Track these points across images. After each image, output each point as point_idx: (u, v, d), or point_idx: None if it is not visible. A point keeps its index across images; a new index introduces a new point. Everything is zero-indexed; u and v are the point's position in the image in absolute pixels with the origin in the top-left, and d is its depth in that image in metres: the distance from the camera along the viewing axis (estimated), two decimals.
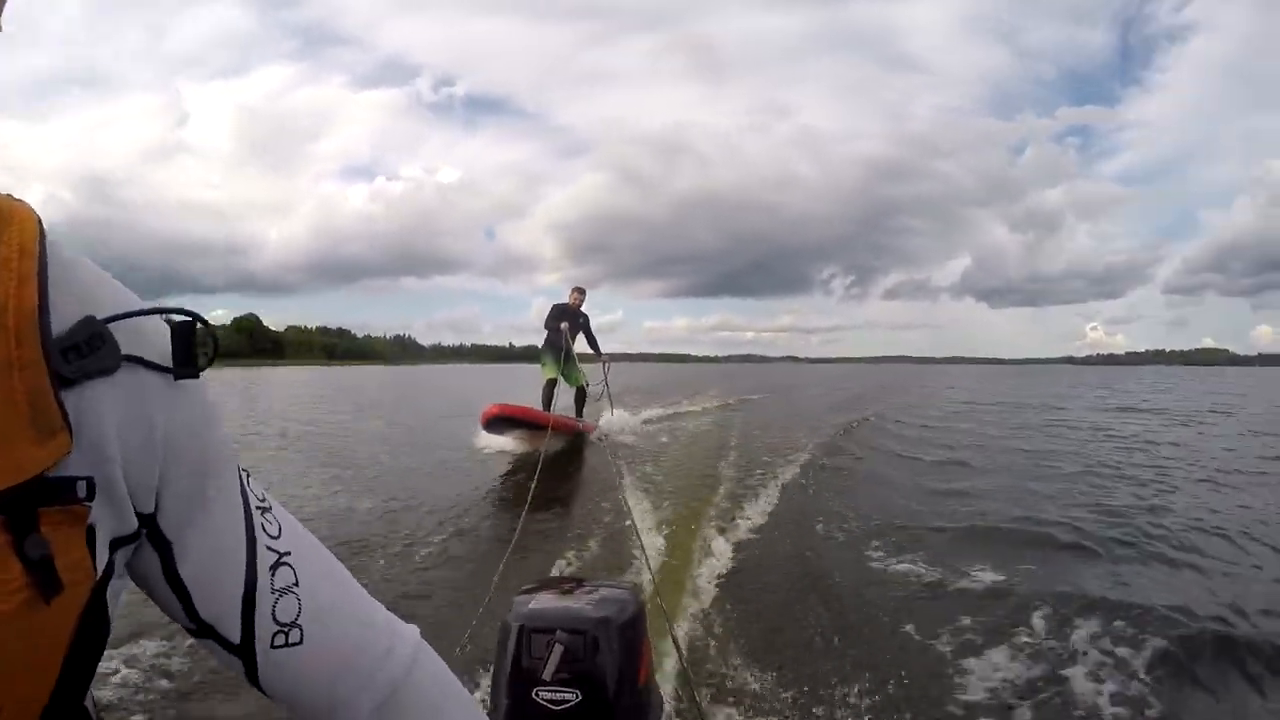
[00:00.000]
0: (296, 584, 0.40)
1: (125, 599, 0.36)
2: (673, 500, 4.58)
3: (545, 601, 1.06)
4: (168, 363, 0.35)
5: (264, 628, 0.38)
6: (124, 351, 0.32)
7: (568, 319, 7.01)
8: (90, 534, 0.31)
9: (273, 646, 0.38)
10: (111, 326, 0.32)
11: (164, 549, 0.36)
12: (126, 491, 0.33)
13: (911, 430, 9.59)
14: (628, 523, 3.16)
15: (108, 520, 0.33)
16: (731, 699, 2.10)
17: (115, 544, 0.33)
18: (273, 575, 0.39)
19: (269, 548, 0.39)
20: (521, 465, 5.91)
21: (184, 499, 0.36)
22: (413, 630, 0.46)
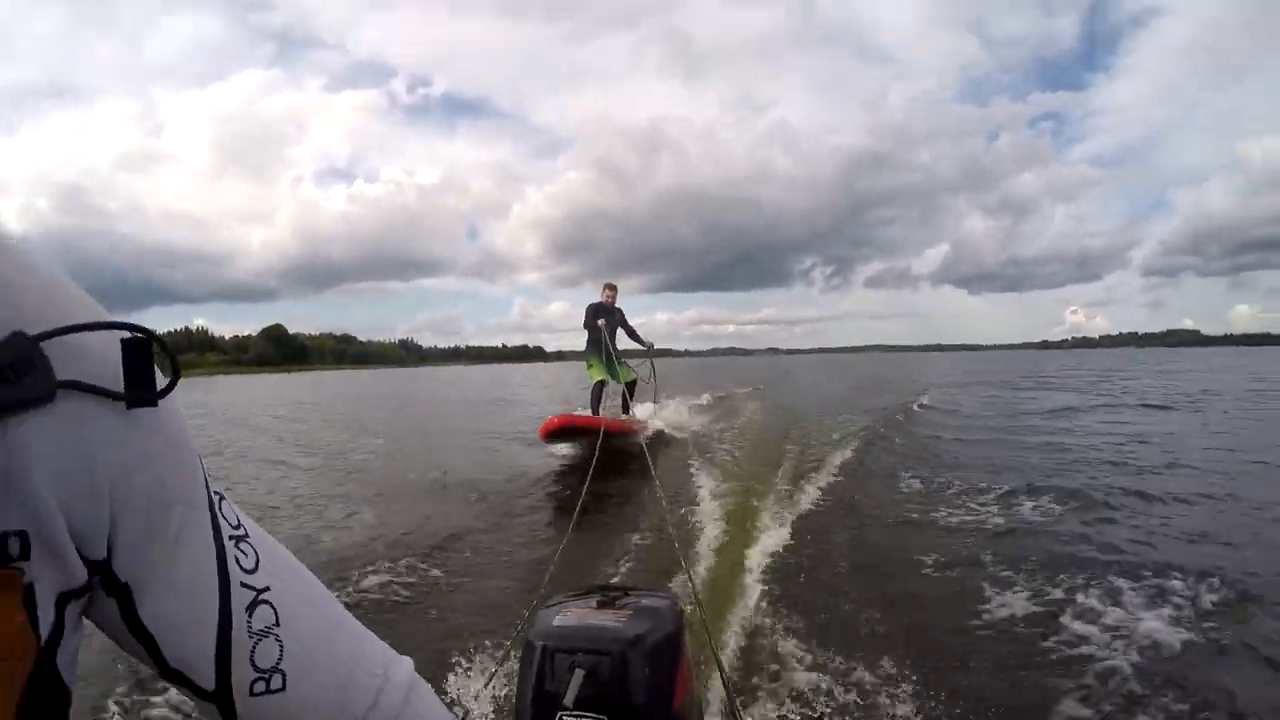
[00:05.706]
0: (277, 623, 0.36)
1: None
2: (721, 496, 4.49)
3: (570, 618, 0.98)
4: (118, 388, 0.29)
5: (241, 675, 0.34)
6: (60, 377, 0.27)
7: (604, 316, 6.96)
8: (30, 593, 0.27)
9: (252, 694, 0.34)
10: (45, 345, 0.26)
11: (122, 595, 0.31)
12: (70, 540, 0.28)
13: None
14: (672, 530, 3.06)
15: (50, 575, 0.28)
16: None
17: (62, 600, 0.29)
18: (249, 616, 0.34)
19: (244, 584, 0.35)
20: (571, 470, 5.99)
21: (141, 539, 0.31)
22: (406, 664, 0.43)
